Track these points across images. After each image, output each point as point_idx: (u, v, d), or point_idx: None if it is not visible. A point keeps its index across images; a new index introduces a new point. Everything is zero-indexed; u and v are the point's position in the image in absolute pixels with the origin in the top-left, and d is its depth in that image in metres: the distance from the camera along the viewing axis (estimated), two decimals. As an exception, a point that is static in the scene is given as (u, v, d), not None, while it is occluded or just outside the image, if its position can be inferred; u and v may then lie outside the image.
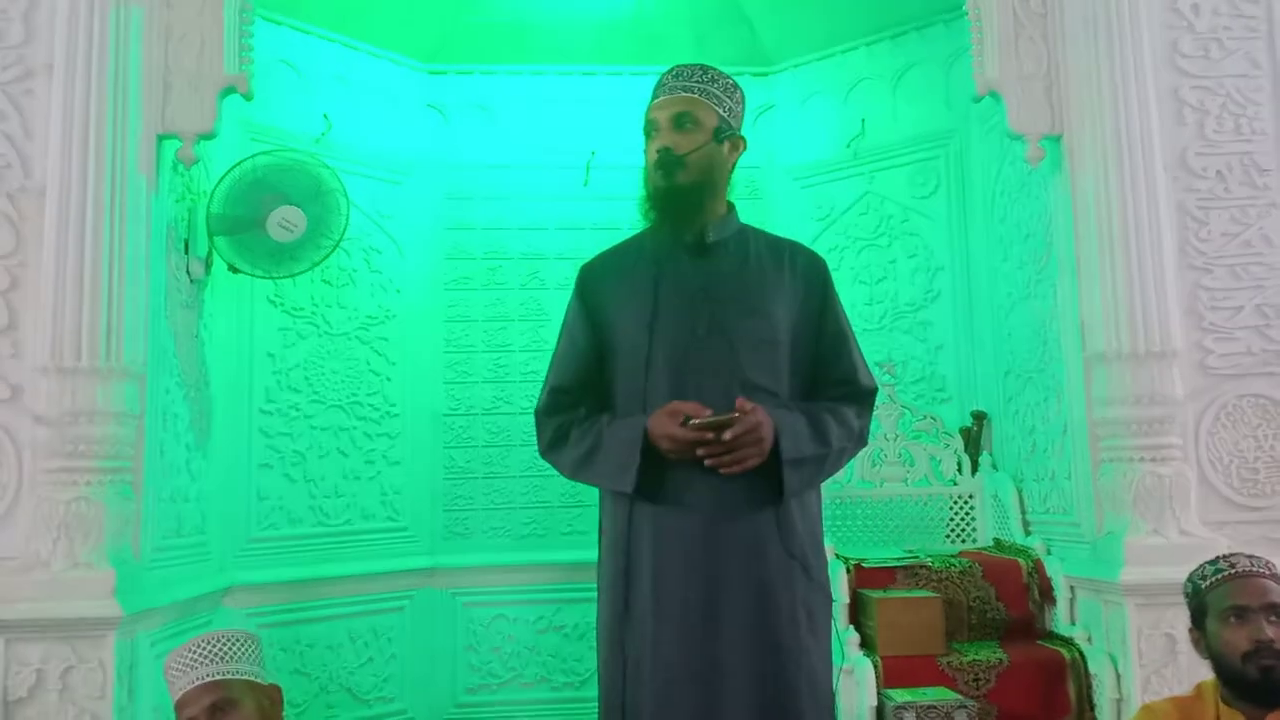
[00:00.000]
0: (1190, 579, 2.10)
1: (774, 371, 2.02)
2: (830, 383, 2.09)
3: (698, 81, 2.09)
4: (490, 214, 4.58)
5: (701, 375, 1.98)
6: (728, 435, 1.87)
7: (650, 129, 2.08)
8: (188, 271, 3.36)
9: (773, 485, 1.96)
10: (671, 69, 2.12)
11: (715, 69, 2.12)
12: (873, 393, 2.13)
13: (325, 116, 4.07)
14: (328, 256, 3.63)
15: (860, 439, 2.10)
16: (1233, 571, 2.02)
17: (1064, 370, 3.30)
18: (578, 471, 2.05)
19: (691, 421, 1.87)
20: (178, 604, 3.09)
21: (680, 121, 2.05)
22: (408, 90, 4.49)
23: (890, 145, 4.36)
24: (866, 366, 2.14)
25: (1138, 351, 3.00)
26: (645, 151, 2.11)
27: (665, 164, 2.02)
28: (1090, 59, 3.11)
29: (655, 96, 2.11)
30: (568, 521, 4.43)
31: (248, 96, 3.11)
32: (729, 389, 1.96)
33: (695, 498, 1.93)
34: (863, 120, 4.38)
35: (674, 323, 2.01)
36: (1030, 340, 3.59)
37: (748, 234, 2.14)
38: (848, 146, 4.42)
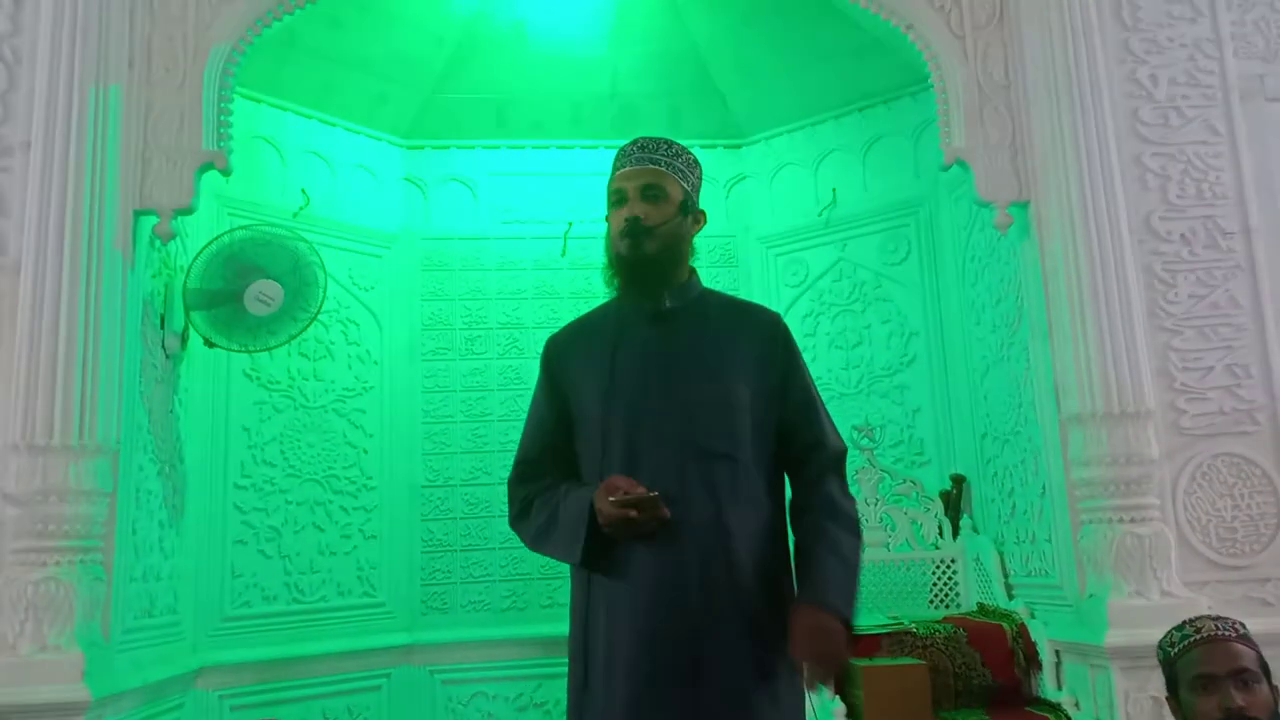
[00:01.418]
0: (1160, 646, 2.07)
1: (732, 436, 1.99)
2: (799, 446, 2.05)
3: (664, 155, 2.11)
4: (469, 285, 4.60)
5: (657, 443, 1.96)
6: (659, 511, 1.86)
7: (617, 199, 2.09)
8: (163, 346, 3.33)
9: (714, 550, 1.92)
10: (635, 141, 2.14)
11: (678, 144, 2.15)
12: (844, 454, 2.09)
13: (303, 191, 4.09)
14: (305, 329, 3.62)
15: (857, 525, 2.04)
16: (1199, 637, 1.98)
17: (1040, 432, 3.31)
18: (537, 544, 2.05)
19: (612, 499, 1.87)
20: (149, 686, 3.00)
21: (648, 193, 2.06)
22: (385, 165, 4.52)
23: (861, 213, 4.42)
24: (834, 426, 2.10)
25: (1112, 412, 3.01)
26: (608, 220, 2.12)
27: (634, 233, 2.03)
28: (1054, 128, 3.19)
29: (620, 166, 2.13)
30: (547, 594, 4.37)
31: (225, 172, 3.13)
32: (683, 457, 1.95)
33: (644, 571, 1.91)
34: (833, 190, 4.45)
35: (629, 391, 2.01)
36: (1006, 403, 3.60)
37: (708, 299, 2.14)
38: (819, 215, 4.48)
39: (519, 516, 2.09)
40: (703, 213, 2.15)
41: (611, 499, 1.87)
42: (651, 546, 1.90)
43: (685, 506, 1.89)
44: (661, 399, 1.98)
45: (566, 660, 2.04)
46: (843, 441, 2.10)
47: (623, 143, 2.20)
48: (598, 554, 1.93)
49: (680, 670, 1.86)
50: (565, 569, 2.10)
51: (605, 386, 2.01)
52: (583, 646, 1.97)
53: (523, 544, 2.11)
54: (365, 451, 4.26)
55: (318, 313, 3.61)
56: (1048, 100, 3.21)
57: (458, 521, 4.43)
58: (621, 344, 2.06)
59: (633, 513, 1.86)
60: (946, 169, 3.37)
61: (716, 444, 1.97)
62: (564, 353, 2.13)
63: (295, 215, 4.02)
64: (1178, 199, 3.22)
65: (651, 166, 2.09)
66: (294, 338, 3.62)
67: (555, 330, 2.23)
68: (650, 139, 2.13)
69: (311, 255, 3.59)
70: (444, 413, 4.50)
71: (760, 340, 2.09)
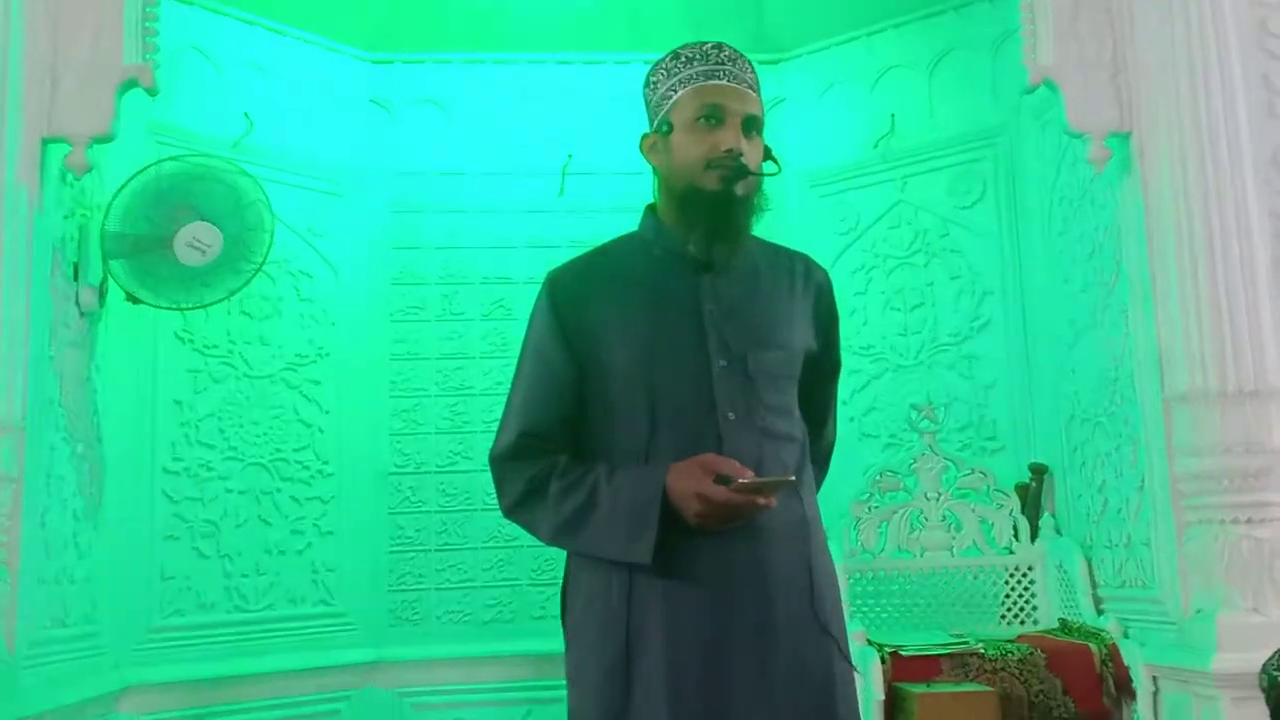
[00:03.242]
0: (1265, 670, 2.07)
1: (791, 412, 2.04)
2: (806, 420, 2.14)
3: (753, 79, 2.09)
4: (446, 230, 4.60)
5: (721, 422, 1.97)
6: (771, 501, 1.86)
7: (710, 114, 2.02)
8: (77, 302, 3.35)
9: (799, 550, 1.97)
10: (718, 46, 2.08)
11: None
12: (833, 447, 2.32)
13: (246, 115, 4.09)
14: (248, 283, 3.63)
15: None
16: None
17: (1139, 414, 3.31)
18: (563, 536, 1.99)
19: (739, 482, 1.83)
20: (62, 709, 3.04)
21: (750, 127, 2.05)
22: (346, 83, 4.51)
23: (926, 145, 4.40)
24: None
25: (1227, 391, 3.00)
26: (671, 134, 2.06)
27: (735, 170, 2.00)
28: (1164, 42, 3.15)
29: (704, 73, 2.05)
30: (540, 603, 4.40)
31: (152, 92, 3.12)
32: (758, 437, 1.96)
33: (714, 570, 1.92)
34: (892, 116, 4.42)
35: (681, 357, 1.99)
36: (1098, 378, 3.60)
37: (751, 246, 2.14)
38: (875, 147, 4.46)
39: (526, 500, 2.03)
40: (770, 151, 2.12)
41: (741, 481, 1.83)
42: (726, 543, 1.91)
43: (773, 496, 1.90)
44: (726, 368, 1.98)
45: (565, 683, 2.04)
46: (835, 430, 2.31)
47: (634, 56, 2.19)
48: (656, 551, 1.89)
49: (771, 690, 1.89)
50: (561, 575, 2.09)
51: (648, 349, 1.99)
52: (623, 662, 1.93)
53: (525, 542, 2.10)
54: (321, 430, 4.29)
55: (263, 262, 3.62)
56: (1157, 8, 3.17)
57: (432, 515, 4.46)
58: (661, 298, 2.04)
59: (762, 500, 1.85)
60: (1031, 91, 3.35)
61: (781, 424, 2.01)
62: (581, 298, 2.08)
63: (236, 144, 4.03)
64: (1314, 129, 3.19)
65: (749, 92, 2.07)
66: (235, 293, 3.63)
67: (557, 266, 2.16)
68: (737, 52, 2.10)
69: (256, 192, 3.59)
70: (415, 384, 4.51)
71: (812, 298, 2.14)
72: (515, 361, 2.14)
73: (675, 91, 2.07)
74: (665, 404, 1.98)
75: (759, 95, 2.10)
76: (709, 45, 2.09)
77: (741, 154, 2.01)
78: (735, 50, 2.10)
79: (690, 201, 2.04)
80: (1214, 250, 3.06)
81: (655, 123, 2.12)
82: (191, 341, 3.98)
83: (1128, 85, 3.22)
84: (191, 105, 3.97)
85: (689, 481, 1.86)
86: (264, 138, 4.15)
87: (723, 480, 1.85)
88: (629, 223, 2.20)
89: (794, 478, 1.89)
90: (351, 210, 4.47)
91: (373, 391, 4.45)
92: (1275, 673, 2.04)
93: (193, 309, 3.66)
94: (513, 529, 2.09)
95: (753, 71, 2.11)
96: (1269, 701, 2.07)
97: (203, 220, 3.48)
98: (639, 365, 2.00)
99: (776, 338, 2.05)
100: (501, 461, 2.07)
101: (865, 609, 3.76)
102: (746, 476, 1.84)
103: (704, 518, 1.86)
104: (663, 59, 2.12)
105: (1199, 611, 3.04)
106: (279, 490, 4.16)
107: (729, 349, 2.00)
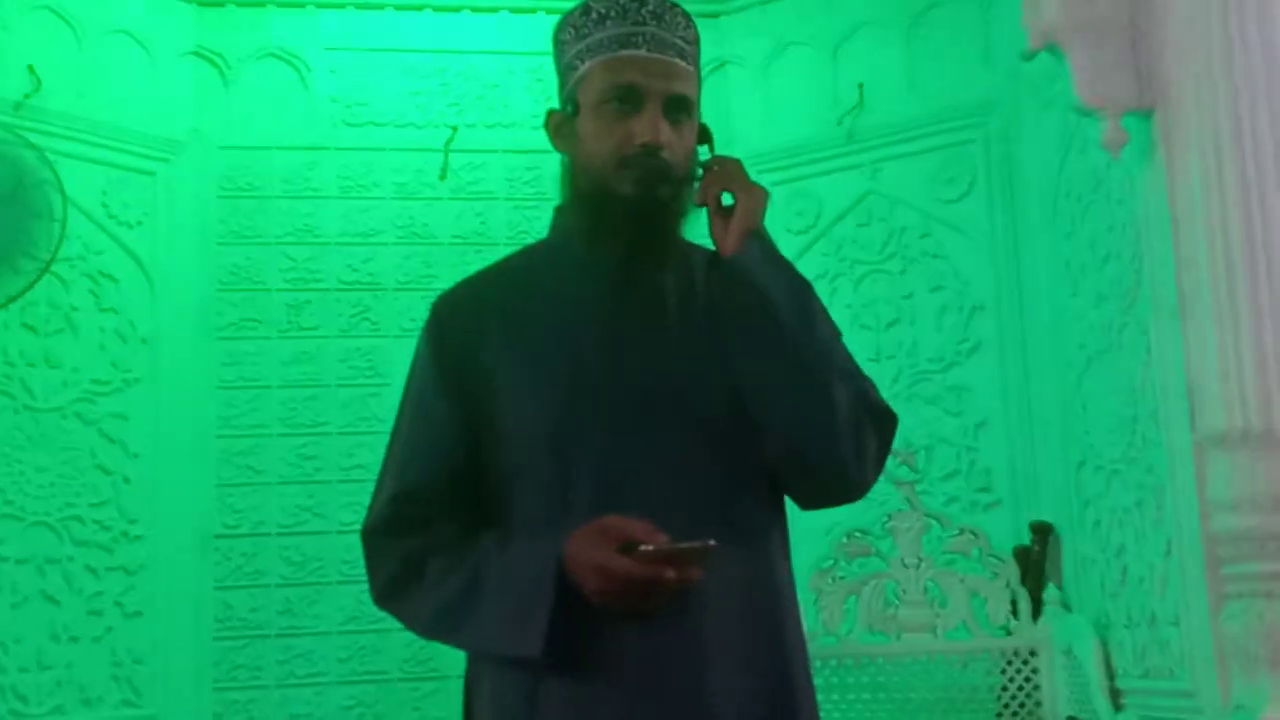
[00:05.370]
0: None
1: (759, 458, 2.02)
2: None
3: (684, 39, 2.05)
4: (293, 220, 4.58)
5: (655, 471, 1.95)
6: (692, 574, 1.84)
7: (623, 97, 2.00)
8: None
9: (761, 634, 1.95)
10: None
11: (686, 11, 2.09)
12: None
13: (31, 69, 4.04)
14: (32, 286, 3.59)
15: (863, 406, 1.99)
16: None
17: (1165, 460, 3.35)
18: (442, 627, 1.97)
19: (642, 549, 1.79)
20: None
21: (675, 107, 2.01)
22: (164, 30, 4.48)
23: (903, 123, 4.45)
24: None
25: (1274, 431, 3.06)
26: (577, 119, 2.04)
27: (655, 171, 1.97)
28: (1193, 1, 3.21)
29: (616, 39, 2.03)
30: (414, 702, 4.35)
31: (-92, 36, 3.08)
32: (698, 490, 1.94)
33: (639, 663, 1.88)
34: (860, 86, 4.47)
35: (600, 395, 1.99)
36: (1115, 415, 3.65)
37: (688, 253, 2.15)
38: (839, 124, 4.51)
39: (399, 584, 2.00)
40: (708, 132, 2.13)
41: (644, 548, 1.78)
42: (656, 628, 1.87)
43: (707, 565, 1.83)
44: (660, 405, 1.97)
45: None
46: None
47: (536, 3, 2.17)
48: (556, 640, 1.84)
49: None
50: (447, 663, 2.09)
51: (558, 389, 1.97)
52: None
53: (404, 627, 2.05)
54: (126, 480, 4.23)
55: (52, 260, 3.59)
56: (1185, -44, 3.25)
57: (273, 591, 4.41)
58: (575, 321, 2.05)
59: (671, 573, 1.83)
60: (1031, 58, 3.41)
61: (743, 471, 1.99)
62: (473, 331, 2.06)
63: (19, 107, 3.98)
64: (1375, 109, 3.28)
65: (679, 62, 2.03)
66: (14, 299, 3.58)
67: (437, 290, 2.13)
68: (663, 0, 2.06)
69: (42, 170, 3.56)
70: (252, 421, 4.47)
71: None
72: (383, 391, 2.13)
73: (582, 61, 2.05)
74: (579, 457, 1.97)
75: (694, 63, 2.07)
76: None
77: (662, 147, 2.01)
78: (664, 0, 2.10)
79: (602, 209, 2.02)
80: (1256, 255, 3.10)
81: (562, 97, 2.12)
82: (-45, 363, 3.91)
83: (1150, 52, 3.27)
84: (-41, 56, 3.93)
85: (588, 551, 1.83)
86: (55, 99, 4.10)
87: (631, 548, 1.84)
88: (527, 213, 2.21)
89: (713, 542, 1.86)
90: (169, 193, 4.43)
91: (195, 429, 4.41)
92: None
93: (-42, 320, 3.61)
94: (381, 610, 2.07)
95: (688, 27, 2.08)
96: None
97: (-28, 205, 3.44)
98: (546, 412, 1.98)
99: (729, 369, 2.05)
100: (373, 536, 2.04)
101: (831, 705, 3.76)
102: (657, 542, 1.84)
103: (606, 596, 1.83)
104: (572, 11, 2.10)
105: (1240, 707, 3.09)
106: (71, 558, 4.09)
107: (670, 382, 2.00)
